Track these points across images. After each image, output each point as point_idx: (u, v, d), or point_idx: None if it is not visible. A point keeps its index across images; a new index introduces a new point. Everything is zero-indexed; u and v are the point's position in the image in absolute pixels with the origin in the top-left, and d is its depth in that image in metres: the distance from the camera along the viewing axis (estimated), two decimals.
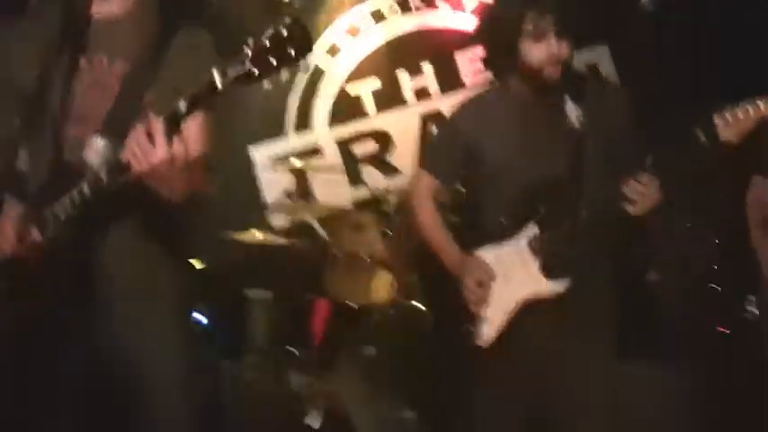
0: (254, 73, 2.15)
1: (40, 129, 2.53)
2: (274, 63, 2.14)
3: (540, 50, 2.92)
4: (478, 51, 6.56)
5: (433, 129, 3.98)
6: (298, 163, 5.99)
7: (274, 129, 6.69)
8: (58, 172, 2.49)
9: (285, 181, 6.34)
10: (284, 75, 2.18)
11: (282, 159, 6.36)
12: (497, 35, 3.04)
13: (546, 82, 2.96)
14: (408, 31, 6.80)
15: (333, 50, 6.74)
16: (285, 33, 2.14)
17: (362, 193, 6.55)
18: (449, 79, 6.77)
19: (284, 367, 5.04)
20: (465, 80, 6.78)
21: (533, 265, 2.98)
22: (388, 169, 6.70)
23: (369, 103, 6.70)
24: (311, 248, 5.67)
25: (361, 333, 4.88)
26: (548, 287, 2.96)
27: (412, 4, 6.81)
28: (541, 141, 3.04)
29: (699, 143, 2.71)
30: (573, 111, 2.96)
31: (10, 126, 2.58)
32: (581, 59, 6.69)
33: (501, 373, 3.07)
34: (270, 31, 2.14)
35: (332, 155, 6.69)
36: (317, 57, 6.64)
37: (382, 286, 5.30)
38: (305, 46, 2.16)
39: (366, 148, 6.69)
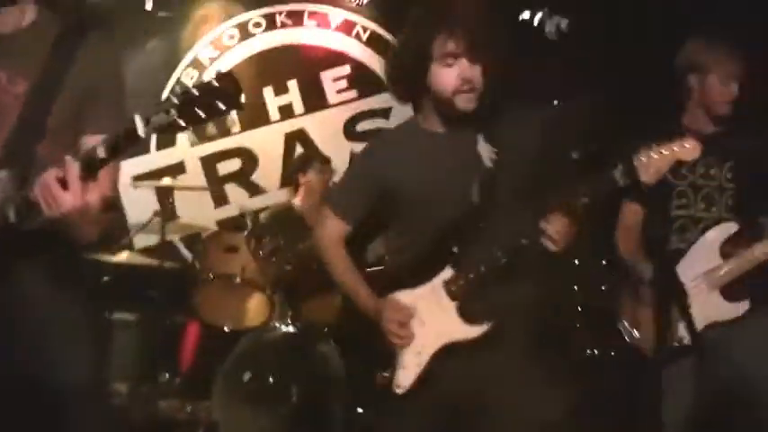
0: (179, 124, 2.04)
1: None
2: (202, 115, 2.03)
3: (449, 76, 2.77)
4: (343, 70, 6.77)
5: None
6: (164, 181, 5.81)
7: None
8: None
9: (148, 200, 6.11)
10: (210, 128, 2.12)
11: (145, 177, 6.16)
12: (405, 59, 2.90)
13: (458, 113, 2.82)
14: (274, 48, 6.75)
15: (197, 66, 6.59)
16: (216, 84, 2.03)
17: (227, 211, 6.42)
18: (314, 98, 6.76)
19: (154, 394, 4.86)
20: (329, 99, 6.78)
21: (450, 309, 2.86)
22: (253, 188, 6.61)
23: (233, 121, 6.59)
24: (179, 269, 5.51)
25: (237, 357, 4.73)
26: (465, 332, 2.84)
27: (278, 21, 6.76)
28: (454, 180, 2.89)
29: (616, 183, 2.71)
30: (485, 149, 2.85)
31: None
32: None
33: (417, 421, 2.92)
34: (199, 81, 2.04)
35: (196, 173, 6.54)
36: (181, 72, 6.49)
37: (256, 308, 5.21)
38: (235, 99, 2.06)
39: (230, 166, 6.58)
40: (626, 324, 3.67)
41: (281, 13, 6.75)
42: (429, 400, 2.86)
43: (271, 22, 6.75)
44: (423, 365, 2.84)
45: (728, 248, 3.55)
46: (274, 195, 6.55)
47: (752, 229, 3.57)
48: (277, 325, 4.90)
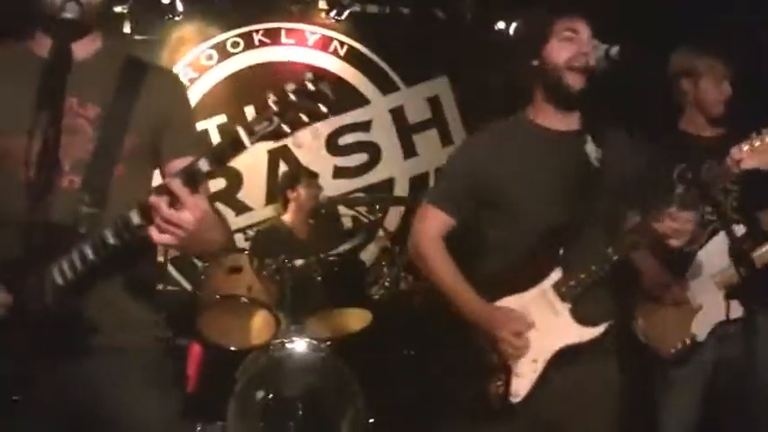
0: (283, 130, 2.09)
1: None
2: (305, 119, 2.08)
3: (566, 49, 2.79)
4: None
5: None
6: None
7: None
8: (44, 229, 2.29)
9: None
10: (311, 132, 2.14)
11: None
12: (524, 40, 2.96)
13: (566, 93, 2.81)
14: (253, 66, 6.81)
15: None
16: (312, 88, 2.07)
17: None
18: None
19: None
20: None
21: (563, 312, 2.80)
22: (239, 206, 6.63)
23: (216, 140, 6.59)
24: (181, 291, 5.50)
25: (251, 377, 4.76)
26: (581, 334, 2.79)
27: (256, 39, 6.80)
28: (560, 180, 2.84)
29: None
30: (592, 149, 2.82)
31: None
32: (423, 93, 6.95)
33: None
34: (292, 86, 2.07)
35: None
36: None
37: (261, 326, 5.24)
38: (332, 100, 2.09)
39: (216, 185, 6.58)
40: (640, 324, 3.73)
41: (258, 32, 6.81)
42: (536, 412, 2.80)
43: (249, 42, 6.80)
44: (539, 372, 2.78)
45: None
46: (260, 213, 6.58)
47: (754, 230, 3.66)
48: (284, 342, 4.93)
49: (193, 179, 2.11)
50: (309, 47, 6.87)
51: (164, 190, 2.10)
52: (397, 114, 7.02)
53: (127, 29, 6.35)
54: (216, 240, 2.40)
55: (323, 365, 4.88)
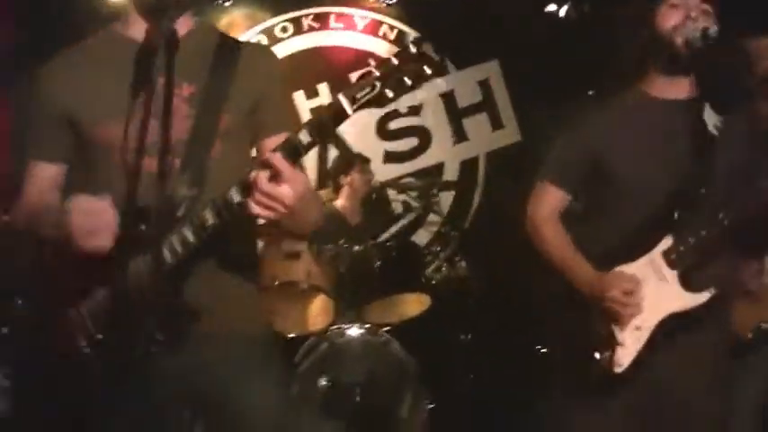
0: (386, 95, 2.03)
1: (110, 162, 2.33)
2: (409, 82, 2.03)
3: (677, 15, 2.78)
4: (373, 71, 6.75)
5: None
6: None
7: None
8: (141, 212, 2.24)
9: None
10: (420, 95, 2.11)
11: None
12: (634, 12, 2.91)
13: (679, 55, 2.78)
14: (302, 52, 6.76)
15: None
16: (414, 50, 2.04)
17: None
18: None
19: None
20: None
21: (672, 279, 2.79)
22: None
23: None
24: None
25: (313, 362, 4.74)
26: (686, 300, 2.77)
27: (305, 24, 6.75)
28: (676, 149, 2.83)
29: None
30: (711, 117, 2.82)
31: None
32: (474, 76, 6.89)
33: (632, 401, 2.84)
34: (396, 49, 2.04)
35: None
36: None
37: (319, 313, 5.22)
38: (437, 62, 2.06)
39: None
40: None
41: (307, 17, 6.75)
42: (642, 385, 2.81)
43: (297, 27, 6.75)
44: (643, 341, 2.79)
45: None
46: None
47: None
48: (343, 328, 4.91)
49: (295, 151, 2.07)
50: (359, 31, 6.81)
51: (264, 164, 2.06)
52: (448, 98, 6.95)
53: None
54: (314, 218, 2.37)
55: (382, 351, 4.88)
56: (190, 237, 2.22)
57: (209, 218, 2.19)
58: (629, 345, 2.79)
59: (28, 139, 2.47)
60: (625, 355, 2.79)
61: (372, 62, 2.06)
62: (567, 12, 6.71)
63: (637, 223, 2.86)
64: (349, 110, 2.04)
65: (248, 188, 2.08)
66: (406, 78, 2.02)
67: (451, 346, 5.65)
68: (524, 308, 6.07)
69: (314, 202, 2.33)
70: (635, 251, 2.85)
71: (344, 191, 5.83)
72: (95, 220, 2.14)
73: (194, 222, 2.21)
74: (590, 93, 6.41)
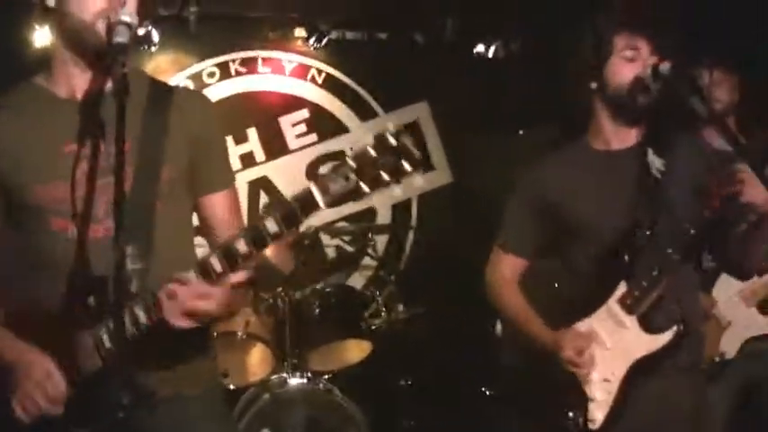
0: (361, 189, 1.90)
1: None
2: (386, 178, 1.89)
3: (630, 69, 2.74)
4: (302, 115, 6.74)
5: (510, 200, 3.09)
6: None
7: None
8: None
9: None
10: (397, 191, 2.03)
11: None
12: (583, 56, 2.86)
13: (637, 110, 2.77)
14: (231, 97, 6.65)
15: None
16: (393, 141, 1.89)
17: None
18: (274, 144, 6.70)
19: None
20: (290, 145, 6.74)
21: (632, 325, 2.77)
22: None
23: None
24: None
25: (255, 414, 4.61)
26: (649, 343, 2.74)
27: (232, 69, 6.66)
28: (622, 197, 2.82)
29: None
30: (654, 161, 2.79)
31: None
32: (403, 119, 6.90)
33: None
34: (373, 141, 1.90)
35: None
36: None
37: (258, 362, 5.10)
38: (419, 156, 1.92)
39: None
40: None
41: (234, 62, 6.65)
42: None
43: (225, 71, 6.64)
44: (614, 392, 2.75)
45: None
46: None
47: None
48: (285, 377, 4.80)
49: (261, 241, 1.99)
50: (287, 75, 6.75)
51: (204, 268, 2.02)
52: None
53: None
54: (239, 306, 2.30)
55: (324, 399, 4.79)
56: (142, 317, 2.10)
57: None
58: (601, 399, 2.76)
59: None
60: (598, 410, 2.76)
61: (348, 150, 1.96)
62: (495, 51, 6.76)
63: (591, 275, 2.86)
64: (321, 203, 1.93)
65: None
66: (383, 173, 1.89)
67: (392, 392, 5.56)
68: (466, 349, 6.08)
69: (241, 297, 2.28)
70: (592, 303, 2.84)
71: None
72: (44, 393, 2.10)
73: (147, 303, 2.10)
74: (520, 132, 6.48)
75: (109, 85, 2.09)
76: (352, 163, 1.90)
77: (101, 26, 2.10)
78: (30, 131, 2.22)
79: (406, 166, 1.90)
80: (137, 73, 2.38)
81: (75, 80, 2.23)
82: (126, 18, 2.05)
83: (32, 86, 2.31)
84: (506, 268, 3.09)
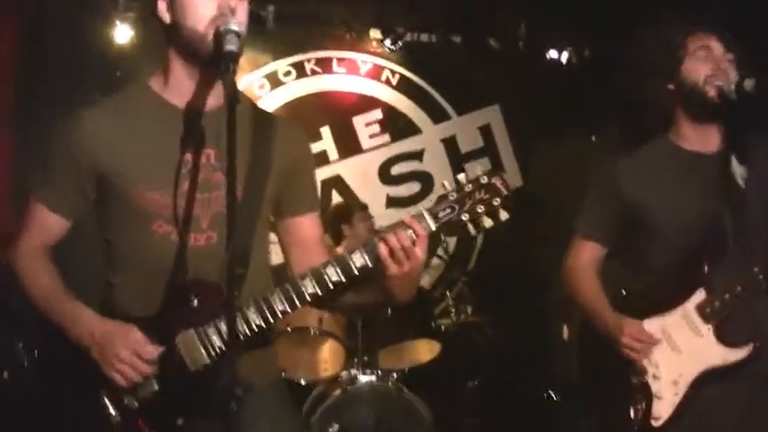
0: (462, 219, 2.18)
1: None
2: (480, 210, 2.18)
3: (706, 67, 2.81)
4: (375, 115, 6.83)
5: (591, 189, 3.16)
6: None
7: None
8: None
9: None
10: (487, 223, 2.20)
11: None
12: (657, 59, 2.91)
13: (709, 106, 2.81)
14: (305, 96, 6.77)
15: None
16: (485, 180, 2.18)
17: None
18: (347, 144, 6.80)
19: None
20: (363, 144, 6.82)
21: (707, 333, 2.80)
22: None
23: None
24: None
25: (326, 409, 4.69)
26: (725, 356, 2.77)
27: (308, 68, 6.77)
28: (706, 202, 2.82)
29: None
30: (738, 169, 2.82)
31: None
32: (475, 122, 6.95)
33: None
34: (467, 175, 2.20)
35: None
36: None
37: (331, 359, 5.19)
38: (506, 196, 2.19)
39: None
40: None
41: (309, 61, 6.78)
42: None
43: (300, 71, 6.77)
44: (681, 394, 2.79)
45: None
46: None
47: None
48: (355, 374, 4.88)
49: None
50: (361, 75, 6.85)
51: (405, 225, 2.18)
52: (449, 143, 7.02)
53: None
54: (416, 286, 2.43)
55: (393, 397, 4.84)
56: (256, 319, 2.20)
57: (279, 305, 2.20)
58: (668, 398, 2.80)
59: (43, 181, 2.37)
60: (663, 408, 2.80)
61: (446, 184, 2.22)
62: (569, 57, 6.78)
63: (669, 274, 2.87)
64: (433, 226, 2.18)
65: (372, 250, 2.19)
66: (478, 208, 2.17)
67: (459, 392, 5.63)
68: (533, 352, 6.12)
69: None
70: (668, 302, 2.87)
71: (346, 240, 5.76)
72: (134, 370, 2.18)
73: (261, 306, 2.19)
74: (592, 137, 6.49)
75: (220, 98, 2.16)
76: (453, 195, 2.19)
77: (211, 35, 2.16)
78: (143, 136, 2.29)
79: (494, 203, 2.19)
80: (240, 94, 2.35)
81: (189, 91, 2.30)
82: (235, 27, 2.11)
83: (147, 91, 2.36)
84: (585, 254, 3.11)
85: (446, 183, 2.21)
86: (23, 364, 4.95)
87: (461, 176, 2.20)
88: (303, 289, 2.19)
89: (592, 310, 3.04)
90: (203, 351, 2.19)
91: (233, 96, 2.01)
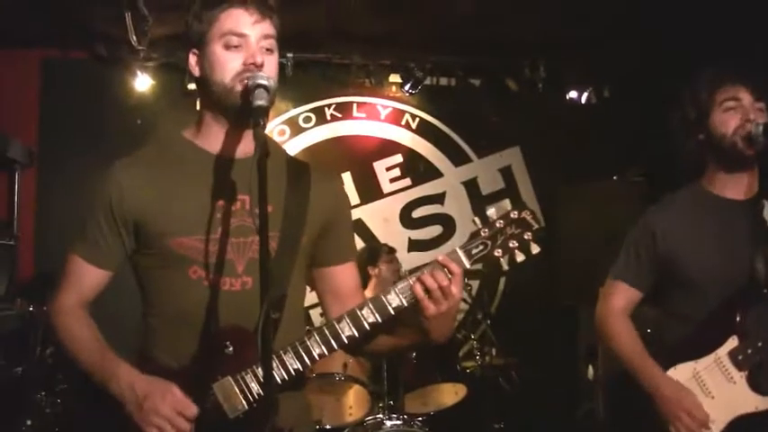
0: (495, 254, 2.22)
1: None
2: (513, 245, 2.22)
3: (735, 118, 2.83)
4: (396, 159, 6.86)
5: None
6: None
7: None
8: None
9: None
10: (519, 257, 2.23)
11: None
12: (686, 110, 2.95)
13: (740, 156, 2.83)
14: (326, 141, 6.83)
15: None
16: (515, 215, 2.23)
17: None
18: (368, 188, 6.84)
19: None
20: (384, 188, 6.86)
21: (740, 380, 2.79)
22: None
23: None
24: None
25: None
26: (761, 403, 2.77)
27: (328, 114, 6.83)
28: (739, 248, 2.83)
29: None
30: None
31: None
32: (496, 164, 6.98)
33: None
34: (497, 211, 2.24)
35: None
36: None
37: (355, 403, 5.17)
38: (537, 229, 2.23)
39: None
40: None
41: (329, 107, 6.84)
42: None
43: (320, 116, 6.83)
44: None
45: None
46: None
47: None
48: (380, 418, 4.86)
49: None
50: (381, 120, 6.91)
51: (441, 264, 2.21)
52: (471, 186, 7.04)
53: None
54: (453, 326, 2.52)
55: None
56: (294, 363, 2.21)
57: (316, 348, 2.22)
58: None
59: (80, 234, 2.37)
60: None
61: (477, 221, 2.25)
62: (588, 97, 6.81)
63: (702, 320, 2.86)
64: (466, 263, 2.21)
65: (407, 290, 2.21)
66: (511, 243, 2.22)
67: None
68: (558, 394, 6.08)
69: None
70: (701, 349, 2.85)
71: (372, 282, 5.78)
72: (173, 427, 2.17)
73: (298, 350, 2.21)
74: (614, 177, 6.48)
75: (252, 145, 2.15)
76: (484, 231, 2.22)
77: (239, 88, 2.19)
78: (177, 182, 2.31)
79: (526, 236, 2.23)
80: (273, 143, 2.47)
81: (221, 140, 2.33)
82: (263, 81, 2.14)
83: (181, 140, 2.40)
84: (618, 299, 3.06)
85: (476, 219, 2.23)
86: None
87: (491, 212, 2.23)
88: (340, 332, 2.20)
89: (632, 362, 2.96)
90: (241, 398, 2.18)
91: (263, 152, 2.01)
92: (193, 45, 2.31)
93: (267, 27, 2.27)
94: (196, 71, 2.31)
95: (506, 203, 2.25)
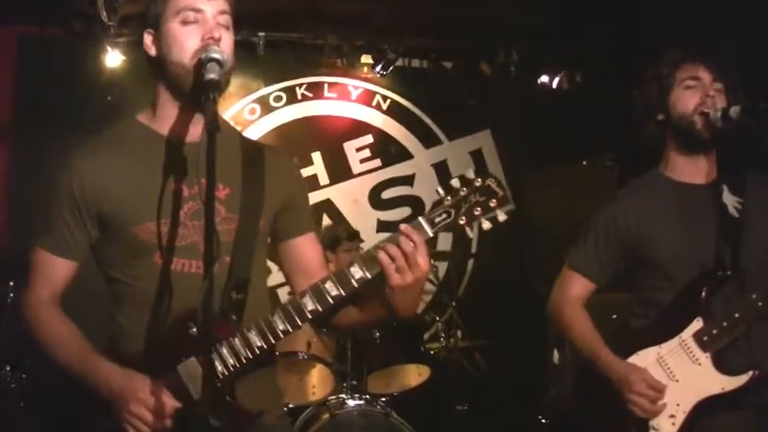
0: (459, 222, 2.17)
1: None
2: (477, 212, 2.17)
3: (694, 97, 2.81)
4: (366, 140, 6.84)
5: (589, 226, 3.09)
6: None
7: None
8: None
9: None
10: (486, 225, 2.19)
11: None
12: (647, 88, 2.93)
13: (699, 138, 2.82)
14: (296, 120, 6.79)
15: None
16: (479, 182, 2.18)
17: None
18: (338, 168, 6.82)
19: None
20: (354, 169, 6.85)
21: (705, 362, 2.78)
22: None
23: None
24: None
25: None
26: (724, 383, 2.74)
27: (299, 94, 6.80)
28: (702, 229, 2.83)
29: None
30: (730, 199, 2.82)
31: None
32: (466, 146, 6.97)
33: None
34: (459, 180, 2.18)
35: None
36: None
37: (319, 383, 5.16)
38: (502, 196, 2.18)
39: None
40: None
41: (300, 86, 6.80)
42: None
43: (291, 96, 6.80)
44: (678, 425, 2.77)
45: None
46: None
47: None
48: (343, 398, 4.85)
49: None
50: (352, 101, 6.88)
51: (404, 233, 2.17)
52: (440, 168, 7.03)
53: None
54: (419, 300, 2.42)
55: (382, 422, 4.80)
56: (257, 341, 2.19)
57: (280, 324, 2.20)
58: (665, 428, 2.78)
59: (43, 228, 2.35)
60: None
61: (440, 190, 2.20)
62: (560, 82, 6.81)
63: (665, 304, 2.87)
64: (429, 231, 2.16)
65: (370, 262, 2.17)
66: (475, 210, 2.17)
67: (449, 417, 5.60)
68: (522, 377, 6.10)
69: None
70: (665, 333, 2.85)
71: (330, 267, 5.68)
72: (146, 425, 2.15)
73: (262, 328, 2.20)
74: (583, 162, 6.50)
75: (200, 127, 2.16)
76: (448, 198, 2.17)
77: (195, 63, 2.18)
78: (134, 168, 2.30)
79: (491, 203, 2.18)
80: (227, 125, 2.46)
81: (176, 121, 2.31)
82: (216, 55, 2.13)
83: (135, 124, 2.39)
84: (574, 288, 3.06)
85: (440, 189, 2.19)
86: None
87: (454, 181, 2.19)
88: (303, 307, 2.19)
89: (588, 350, 2.96)
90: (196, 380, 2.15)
91: (212, 124, 1.99)
92: (150, 26, 2.30)
93: (222, 3, 2.27)
94: (152, 50, 2.30)
95: (470, 172, 2.19)
